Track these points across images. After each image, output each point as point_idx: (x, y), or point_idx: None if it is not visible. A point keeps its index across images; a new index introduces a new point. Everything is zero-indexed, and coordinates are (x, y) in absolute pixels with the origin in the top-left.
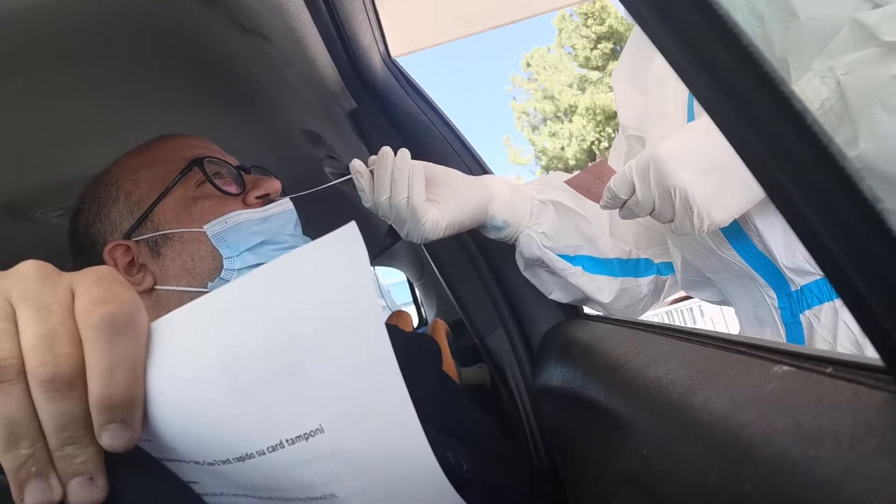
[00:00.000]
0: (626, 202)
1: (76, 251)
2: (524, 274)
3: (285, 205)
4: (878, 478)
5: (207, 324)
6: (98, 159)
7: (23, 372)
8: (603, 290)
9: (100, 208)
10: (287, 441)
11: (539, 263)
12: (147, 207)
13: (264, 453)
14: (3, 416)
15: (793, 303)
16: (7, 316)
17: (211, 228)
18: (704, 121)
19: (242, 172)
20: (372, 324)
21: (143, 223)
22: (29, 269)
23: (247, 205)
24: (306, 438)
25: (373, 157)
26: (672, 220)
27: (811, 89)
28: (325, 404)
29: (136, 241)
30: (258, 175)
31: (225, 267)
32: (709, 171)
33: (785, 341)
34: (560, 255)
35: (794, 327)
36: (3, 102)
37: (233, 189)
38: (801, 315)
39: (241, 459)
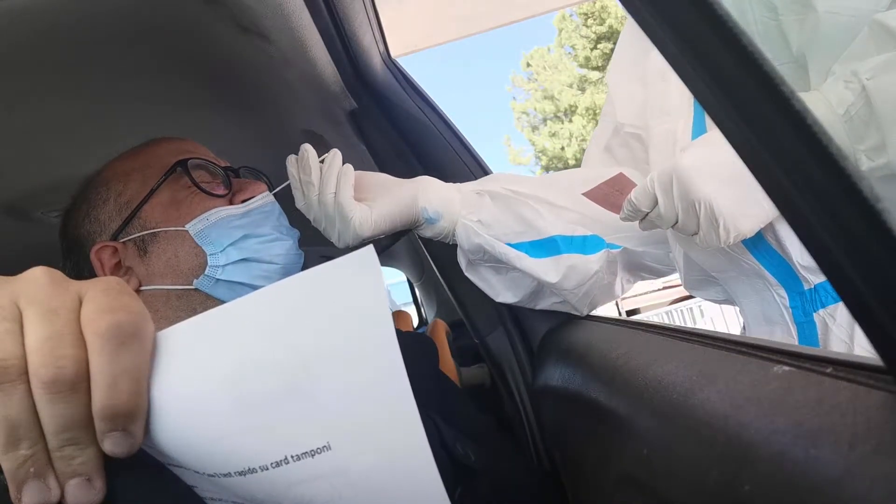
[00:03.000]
0: (647, 215)
1: (66, 252)
2: (467, 275)
3: (266, 198)
4: (878, 478)
5: (216, 337)
6: (98, 159)
7: (25, 373)
8: (549, 271)
9: (89, 209)
10: (292, 457)
11: (481, 256)
12: (134, 208)
13: (267, 468)
14: (4, 417)
15: (805, 302)
16: (13, 318)
17: (193, 227)
18: None
19: (231, 175)
20: (386, 346)
21: (130, 223)
22: (38, 275)
23: (232, 206)
24: (312, 455)
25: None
26: (696, 233)
27: (836, 95)
28: (333, 423)
29: (123, 242)
30: (247, 176)
31: (209, 264)
32: (733, 181)
33: (797, 341)
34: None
35: (806, 327)
36: (4, 102)
37: (219, 191)
38: (814, 314)
39: (242, 474)
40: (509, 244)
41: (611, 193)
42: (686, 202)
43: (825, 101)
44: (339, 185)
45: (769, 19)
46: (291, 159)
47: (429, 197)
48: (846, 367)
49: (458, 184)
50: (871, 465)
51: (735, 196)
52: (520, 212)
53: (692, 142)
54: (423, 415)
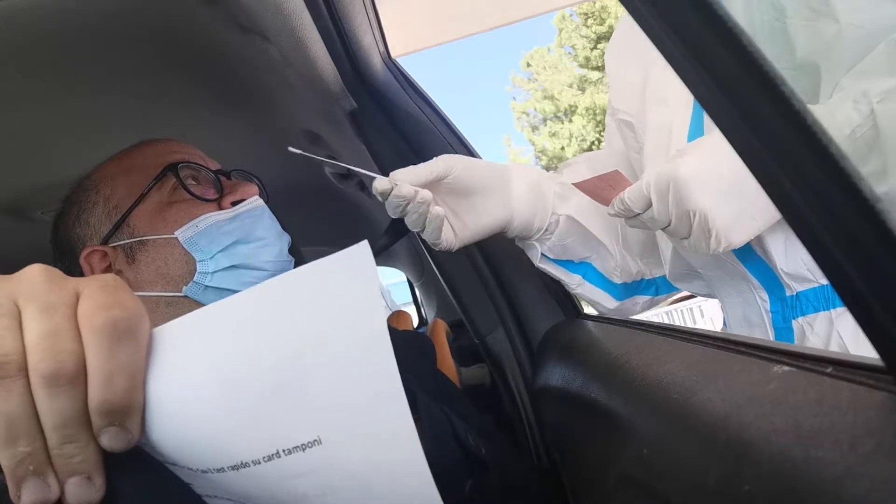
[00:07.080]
0: (638, 215)
1: (57, 255)
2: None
3: (255, 202)
4: (878, 478)
5: (210, 333)
6: (98, 159)
7: (24, 369)
8: (608, 300)
9: (80, 213)
10: (283, 451)
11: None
12: (123, 213)
13: (259, 462)
14: (3, 413)
15: (786, 308)
16: (12, 314)
17: (183, 234)
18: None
19: (221, 177)
20: (378, 341)
21: (119, 228)
22: (36, 272)
23: (221, 209)
24: (303, 450)
25: (398, 175)
26: (686, 238)
27: (843, 114)
28: (324, 417)
29: (113, 246)
30: (238, 179)
31: (199, 270)
32: (730, 194)
33: None
34: (562, 263)
35: (784, 332)
36: (4, 102)
37: (209, 194)
38: (793, 321)
39: (235, 468)
40: (571, 264)
41: (602, 187)
42: (681, 210)
43: (831, 119)
44: (426, 231)
45: (774, 20)
46: (380, 184)
47: (516, 227)
48: (846, 367)
49: (545, 186)
50: (871, 465)
51: (731, 210)
52: (591, 244)
53: (690, 144)
54: (436, 408)
